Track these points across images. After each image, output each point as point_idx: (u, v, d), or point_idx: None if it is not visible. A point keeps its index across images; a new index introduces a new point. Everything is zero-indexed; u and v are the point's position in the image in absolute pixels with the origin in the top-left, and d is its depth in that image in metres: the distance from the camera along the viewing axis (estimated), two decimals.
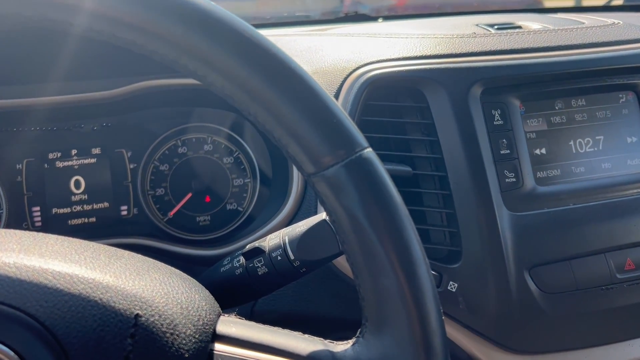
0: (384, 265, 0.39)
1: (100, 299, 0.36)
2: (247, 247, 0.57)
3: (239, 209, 0.85)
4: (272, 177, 0.85)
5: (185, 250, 0.76)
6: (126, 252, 0.43)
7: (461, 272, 0.68)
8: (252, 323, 0.42)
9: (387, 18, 1.33)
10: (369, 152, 0.40)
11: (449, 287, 0.67)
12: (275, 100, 0.39)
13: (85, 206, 0.80)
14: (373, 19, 1.33)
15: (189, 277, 0.45)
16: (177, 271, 0.44)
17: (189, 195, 0.83)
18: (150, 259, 0.44)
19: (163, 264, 0.44)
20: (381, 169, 0.40)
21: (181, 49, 0.38)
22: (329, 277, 0.71)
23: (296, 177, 0.74)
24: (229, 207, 0.85)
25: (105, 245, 0.44)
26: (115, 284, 0.38)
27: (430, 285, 0.40)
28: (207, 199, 0.84)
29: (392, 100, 0.73)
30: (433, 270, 0.68)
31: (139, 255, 0.44)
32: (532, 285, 0.68)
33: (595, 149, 0.75)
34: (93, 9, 0.38)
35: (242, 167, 0.85)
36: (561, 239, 0.69)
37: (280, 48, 0.40)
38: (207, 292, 0.44)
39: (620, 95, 0.77)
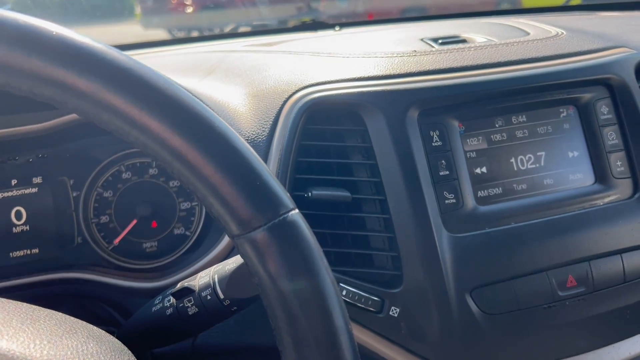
0: (306, 337, 0.38)
1: None
2: (177, 286, 0.56)
3: (187, 233, 0.84)
4: None
5: (127, 284, 0.74)
6: (44, 313, 0.42)
7: (403, 297, 0.67)
8: None
9: (343, 25, 1.33)
10: (294, 214, 0.39)
11: (390, 312, 0.67)
12: (197, 160, 0.38)
13: (27, 237, 0.79)
14: (330, 26, 1.32)
15: (111, 338, 0.43)
16: (97, 333, 0.42)
17: (134, 221, 0.82)
18: (70, 319, 0.42)
19: (83, 324, 0.42)
20: (307, 232, 0.39)
21: (102, 107, 0.37)
22: None
23: None
24: (176, 231, 0.84)
25: (24, 304, 0.42)
26: (23, 355, 0.36)
27: (353, 356, 0.39)
28: (154, 224, 0.83)
29: (333, 124, 0.72)
30: (375, 295, 0.68)
31: (58, 315, 0.42)
32: (473, 307, 0.67)
33: (537, 165, 0.75)
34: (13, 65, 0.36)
35: (189, 190, 0.84)
36: (502, 259, 0.69)
37: (203, 105, 0.39)
38: (128, 355, 0.42)
39: (561, 110, 0.77)
